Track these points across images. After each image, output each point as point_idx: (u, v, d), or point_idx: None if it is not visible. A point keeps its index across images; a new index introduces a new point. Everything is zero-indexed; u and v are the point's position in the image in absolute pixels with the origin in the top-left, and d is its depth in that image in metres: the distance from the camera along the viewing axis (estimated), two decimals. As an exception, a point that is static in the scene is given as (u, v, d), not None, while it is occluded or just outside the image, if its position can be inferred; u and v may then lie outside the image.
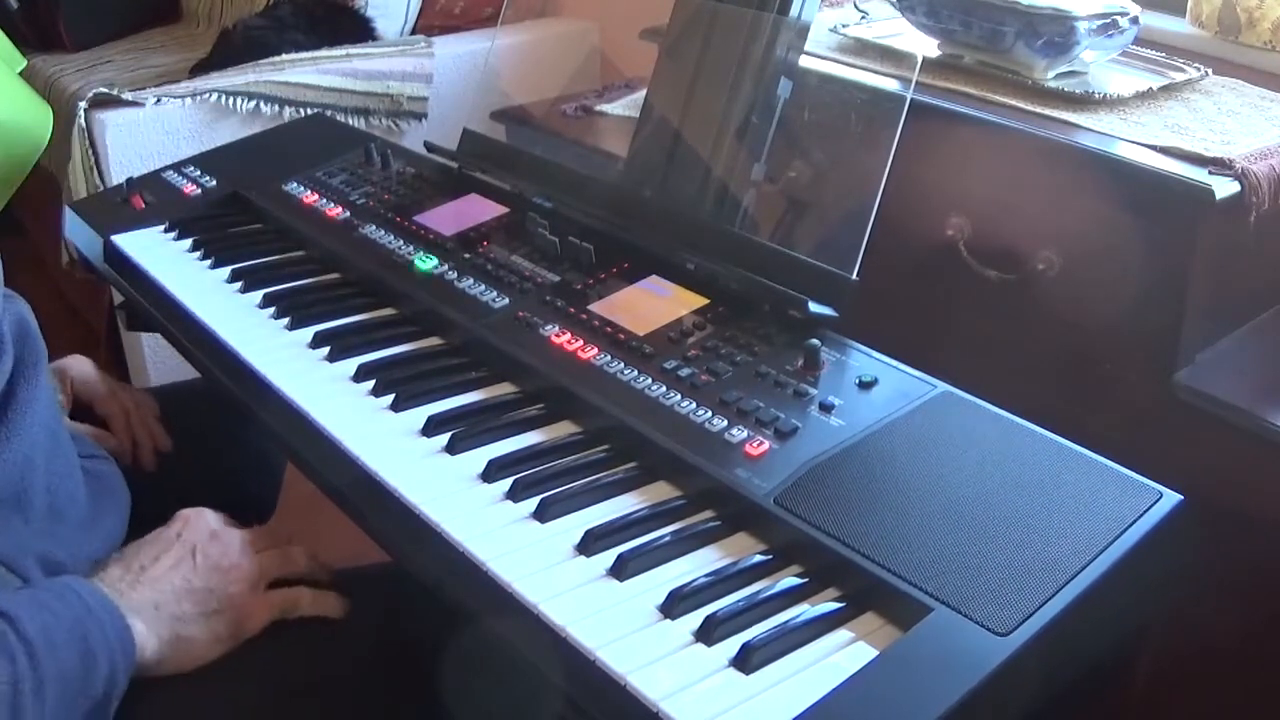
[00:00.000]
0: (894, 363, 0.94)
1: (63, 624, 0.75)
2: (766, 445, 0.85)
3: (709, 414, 0.90)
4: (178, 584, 0.85)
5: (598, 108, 1.80)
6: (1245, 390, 1.16)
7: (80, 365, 1.15)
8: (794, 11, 1.13)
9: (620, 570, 0.77)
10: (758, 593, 0.75)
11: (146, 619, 0.82)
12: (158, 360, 1.93)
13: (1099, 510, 0.77)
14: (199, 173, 1.43)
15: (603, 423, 0.92)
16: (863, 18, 1.61)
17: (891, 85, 1.28)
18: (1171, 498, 0.78)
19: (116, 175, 1.85)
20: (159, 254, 1.24)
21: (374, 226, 1.24)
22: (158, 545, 0.88)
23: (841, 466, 0.83)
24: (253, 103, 1.97)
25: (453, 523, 0.82)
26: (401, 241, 1.20)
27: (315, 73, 2.04)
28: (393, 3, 2.27)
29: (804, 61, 1.13)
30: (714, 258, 1.07)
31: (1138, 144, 1.22)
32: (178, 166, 1.46)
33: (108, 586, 0.82)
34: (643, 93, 1.23)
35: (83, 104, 1.87)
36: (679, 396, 0.92)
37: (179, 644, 0.84)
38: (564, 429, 0.94)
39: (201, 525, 0.90)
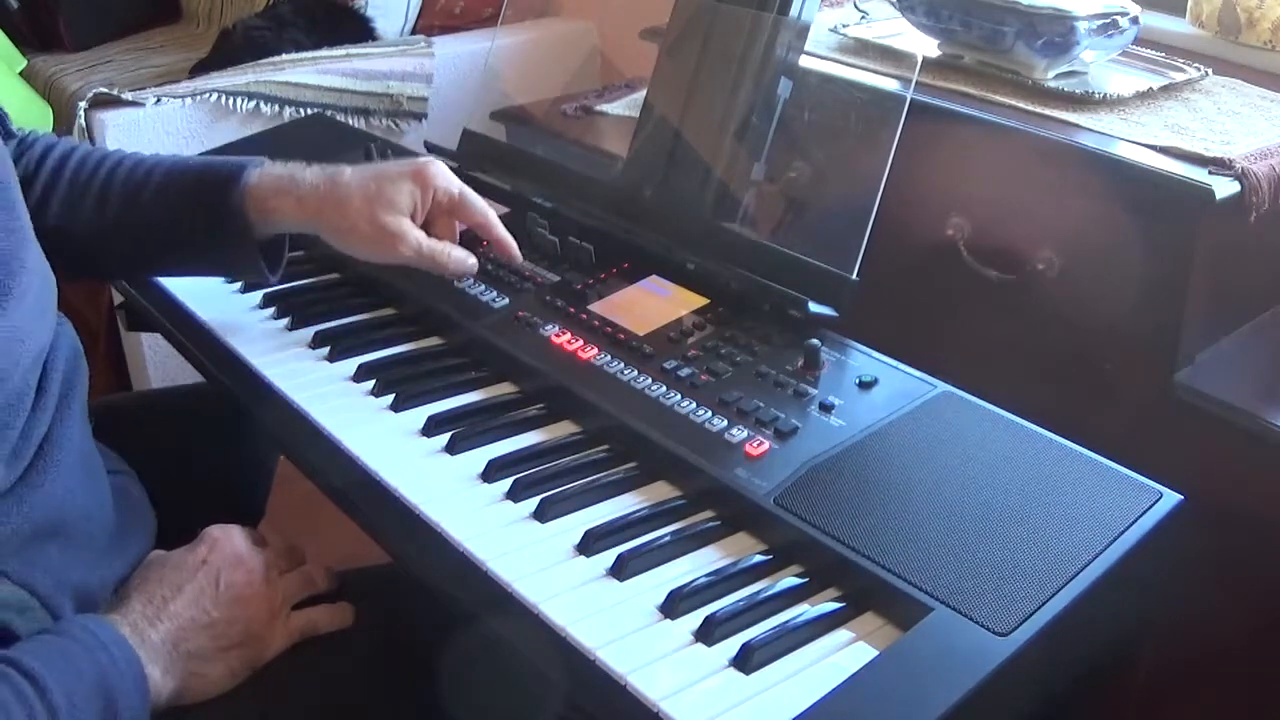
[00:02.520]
0: (894, 363, 0.94)
1: (86, 681, 0.74)
2: (766, 445, 0.85)
3: (709, 414, 0.90)
4: (198, 617, 0.84)
5: (598, 108, 1.80)
6: (1245, 390, 1.16)
7: (441, 173, 1.03)
8: (794, 11, 1.13)
9: (620, 570, 0.77)
10: (758, 593, 0.75)
11: (164, 663, 0.81)
12: (158, 360, 1.93)
13: (1099, 510, 0.77)
14: (199, 173, 1.42)
15: (603, 423, 0.92)
16: (863, 18, 1.61)
17: (891, 85, 1.28)
18: (1171, 498, 0.78)
19: (116, 175, 1.84)
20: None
21: (374, 226, 1.24)
22: (181, 572, 0.86)
23: (841, 466, 0.83)
24: (253, 103, 1.97)
25: (453, 523, 0.82)
26: (401, 241, 1.20)
27: (315, 73, 2.04)
28: (393, 3, 2.27)
29: (804, 61, 1.13)
30: (714, 258, 1.07)
31: (1138, 144, 1.22)
32: (178, 166, 1.45)
33: (129, 625, 0.81)
34: (643, 93, 1.23)
35: (83, 104, 1.87)
36: (679, 396, 0.92)
37: (193, 680, 0.83)
38: (564, 429, 0.94)
39: (228, 549, 0.88)
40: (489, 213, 1.06)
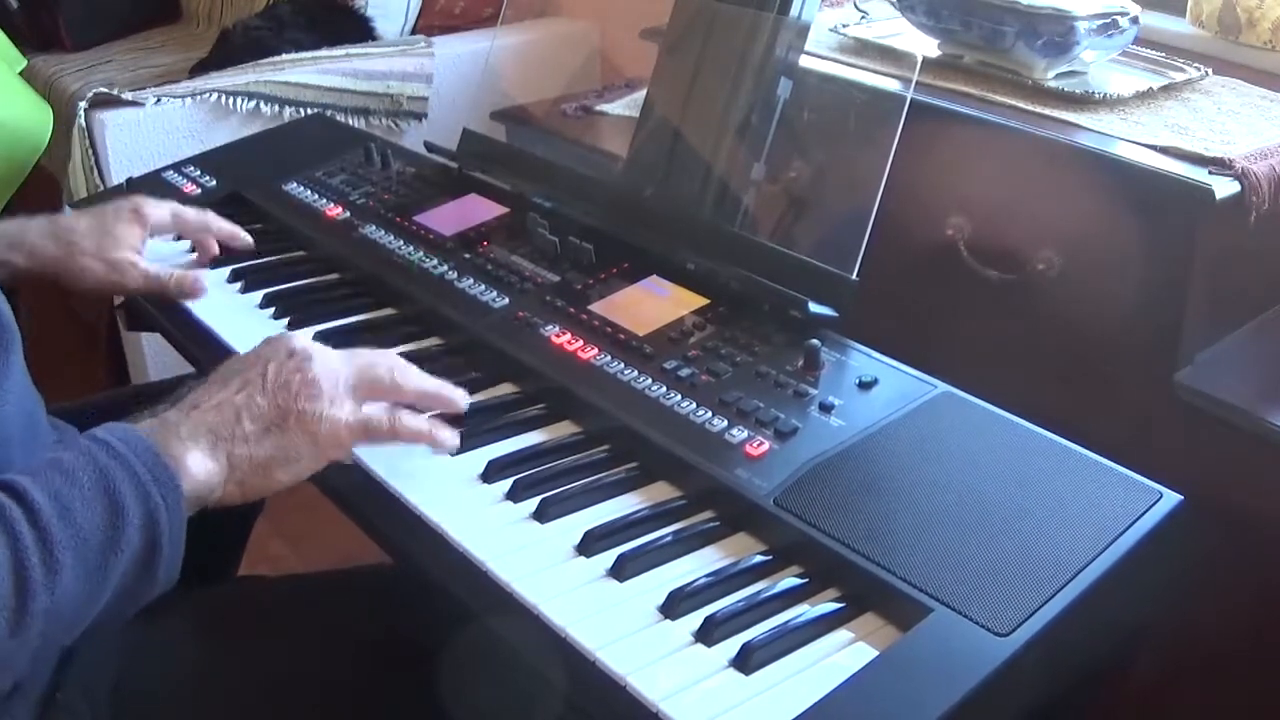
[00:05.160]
0: (894, 363, 0.94)
1: (80, 482, 0.70)
2: (766, 445, 0.85)
3: (709, 414, 0.90)
4: (239, 403, 0.80)
5: (598, 108, 1.80)
6: (1245, 390, 1.16)
7: (152, 206, 1.16)
8: (794, 11, 1.13)
9: (620, 571, 0.77)
10: (758, 593, 0.75)
11: (205, 447, 0.77)
12: (158, 360, 1.93)
13: (1099, 510, 0.77)
14: (199, 173, 1.43)
15: (603, 423, 0.92)
16: (863, 18, 1.61)
17: (891, 85, 1.28)
18: (1171, 498, 0.78)
19: (116, 175, 1.85)
20: (158, 254, 1.24)
21: (374, 226, 1.24)
22: (229, 369, 0.83)
23: (841, 467, 0.83)
24: (253, 103, 1.97)
25: (453, 523, 0.82)
26: (401, 241, 1.20)
27: (315, 73, 2.04)
28: (393, 3, 2.27)
29: (804, 61, 1.13)
30: (714, 258, 1.07)
31: (1138, 144, 1.22)
32: (178, 166, 1.45)
33: (152, 421, 0.78)
34: (643, 93, 1.23)
35: (83, 104, 1.87)
36: (679, 396, 0.92)
37: (246, 463, 0.79)
38: (564, 429, 0.94)
39: (279, 345, 0.84)
40: (204, 217, 1.20)
